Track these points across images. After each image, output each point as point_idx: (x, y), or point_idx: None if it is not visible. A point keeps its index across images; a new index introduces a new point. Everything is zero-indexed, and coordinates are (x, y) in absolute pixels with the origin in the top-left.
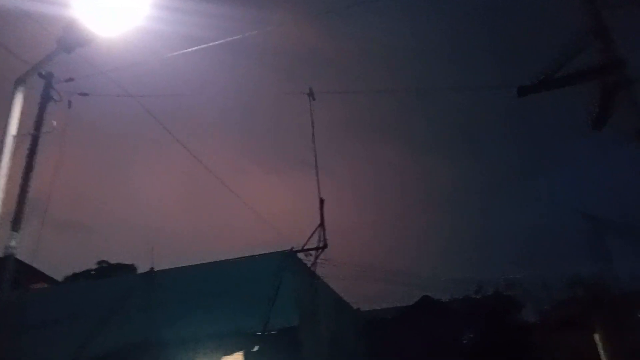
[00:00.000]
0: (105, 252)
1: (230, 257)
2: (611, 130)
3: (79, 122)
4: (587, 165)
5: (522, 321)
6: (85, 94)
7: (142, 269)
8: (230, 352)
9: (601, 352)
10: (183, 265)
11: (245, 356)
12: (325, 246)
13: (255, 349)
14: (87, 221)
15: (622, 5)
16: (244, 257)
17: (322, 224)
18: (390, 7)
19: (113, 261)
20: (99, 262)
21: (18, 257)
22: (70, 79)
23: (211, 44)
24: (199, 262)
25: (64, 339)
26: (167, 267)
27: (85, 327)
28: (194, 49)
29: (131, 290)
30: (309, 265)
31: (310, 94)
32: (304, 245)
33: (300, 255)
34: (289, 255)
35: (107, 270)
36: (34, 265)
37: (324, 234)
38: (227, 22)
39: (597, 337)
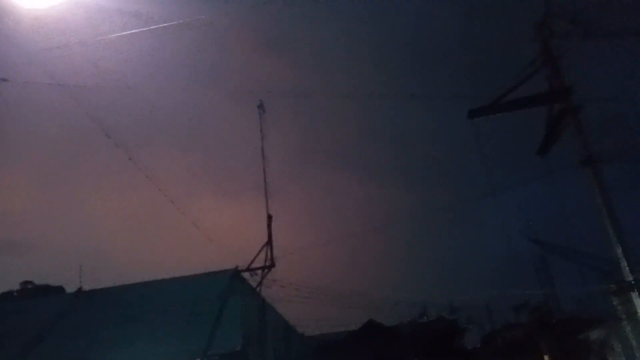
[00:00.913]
0: (33, 273)
1: (171, 277)
2: (558, 157)
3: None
4: (534, 190)
5: (466, 346)
6: (4, 80)
7: (72, 290)
8: None
9: None
10: (118, 284)
11: None
12: (272, 265)
13: None
14: (17, 238)
15: (570, 36)
16: (185, 276)
17: (269, 242)
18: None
19: (40, 282)
20: (23, 283)
21: None
22: None
23: (165, 24)
24: (136, 282)
25: None
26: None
27: (14, 351)
28: (142, 29)
29: (59, 313)
30: (255, 286)
31: (261, 107)
32: (250, 264)
33: (246, 276)
34: (234, 275)
35: (32, 292)
36: None
37: (272, 253)
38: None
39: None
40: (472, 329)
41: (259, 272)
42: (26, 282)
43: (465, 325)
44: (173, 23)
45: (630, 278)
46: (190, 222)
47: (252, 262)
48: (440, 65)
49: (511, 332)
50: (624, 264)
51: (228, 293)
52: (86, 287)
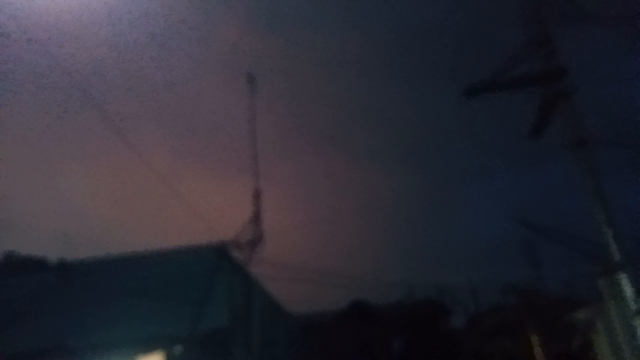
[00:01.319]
0: (18, 247)
1: (154, 250)
2: (549, 139)
3: None
4: (524, 173)
5: (452, 328)
6: None
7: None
8: (148, 351)
9: (537, 356)
10: (101, 256)
11: (167, 357)
12: (260, 238)
13: (177, 348)
14: (4, 216)
15: (567, 18)
16: (170, 250)
17: (257, 217)
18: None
19: (24, 253)
20: (8, 253)
21: None
22: None
23: None
24: (118, 255)
25: None
26: (81, 259)
27: None
28: None
29: (42, 286)
30: (242, 262)
31: (250, 78)
32: (236, 238)
33: (234, 254)
34: (221, 250)
35: (15, 264)
36: None
37: (260, 227)
38: None
39: (533, 340)
40: (458, 311)
41: (247, 248)
42: (10, 252)
43: (451, 306)
44: None
45: (617, 259)
46: (176, 197)
47: (239, 235)
48: (432, 45)
49: (498, 314)
50: (613, 246)
51: (214, 269)
52: (69, 259)
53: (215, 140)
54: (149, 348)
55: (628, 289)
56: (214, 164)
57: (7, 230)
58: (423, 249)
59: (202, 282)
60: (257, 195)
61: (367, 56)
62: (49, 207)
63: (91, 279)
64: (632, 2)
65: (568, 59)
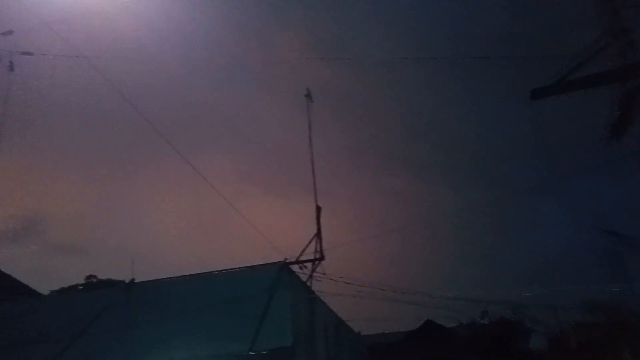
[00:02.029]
0: (98, 270)
1: (218, 270)
2: (633, 141)
3: (27, 97)
4: (604, 179)
5: (532, 348)
6: (29, 53)
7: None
8: None
9: None
10: (165, 277)
11: None
12: (322, 257)
13: None
14: (83, 242)
15: None
16: (233, 269)
17: (318, 234)
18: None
19: (103, 277)
20: (88, 277)
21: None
22: (9, 32)
23: None
24: (184, 274)
25: (34, 358)
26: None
27: (56, 346)
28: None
29: (109, 305)
30: (304, 279)
31: (308, 96)
32: (299, 256)
33: (295, 269)
34: (283, 268)
35: (95, 286)
36: (22, 280)
37: (321, 245)
38: None
39: None
40: (537, 330)
41: (309, 265)
42: (90, 277)
43: (529, 326)
44: None
45: None
46: (241, 218)
47: (301, 253)
48: (494, 53)
49: (584, 333)
50: None
51: (276, 286)
52: (138, 280)
53: (279, 161)
54: None
55: None
56: (278, 184)
57: (85, 254)
58: (496, 266)
59: (264, 299)
60: (317, 212)
61: (427, 72)
62: (122, 232)
63: (156, 298)
64: None
65: None
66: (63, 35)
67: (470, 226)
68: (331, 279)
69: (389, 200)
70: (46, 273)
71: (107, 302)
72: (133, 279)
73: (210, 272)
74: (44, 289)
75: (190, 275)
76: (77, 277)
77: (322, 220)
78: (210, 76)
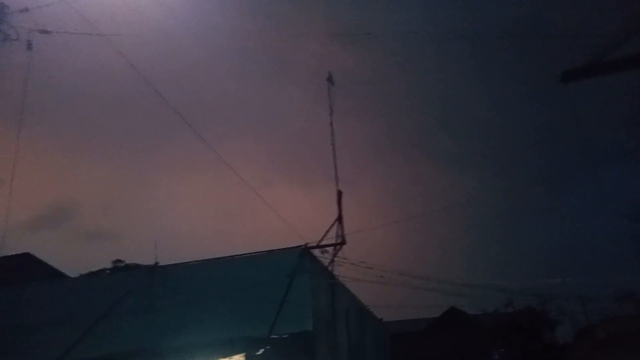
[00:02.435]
0: (124, 254)
1: (239, 254)
2: None
3: (45, 77)
4: (636, 166)
5: (558, 340)
6: (46, 32)
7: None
8: (230, 354)
9: None
10: (188, 261)
11: None
12: (343, 242)
13: (260, 352)
14: (113, 228)
15: None
16: (253, 253)
17: (339, 218)
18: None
19: (130, 261)
20: (115, 261)
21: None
22: (25, 9)
23: None
24: (206, 258)
25: (57, 339)
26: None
27: (79, 327)
28: None
29: (133, 287)
30: (325, 264)
31: (329, 79)
32: (319, 241)
33: (317, 253)
34: (304, 252)
35: (122, 270)
36: (51, 263)
37: (342, 229)
38: None
39: None
40: (564, 321)
41: (330, 250)
42: (117, 261)
43: (556, 316)
44: None
45: None
46: (264, 205)
47: (322, 238)
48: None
49: (613, 325)
50: None
51: (297, 270)
52: (160, 263)
53: (302, 149)
54: (231, 351)
55: None
56: (301, 172)
57: (115, 240)
58: (522, 254)
59: (285, 284)
60: (338, 196)
61: (450, 59)
62: (148, 217)
63: (178, 281)
64: None
65: None
66: (81, 12)
67: (496, 214)
68: (353, 264)
69: (412, 188)
70: (76, 258)
71: (130, 285)
72: (157, 262)
73: (231, 257)
74: (74, 273)
75: (212, 259)
76: (105, 262)
77: (343, 207)
78: (231, 63)
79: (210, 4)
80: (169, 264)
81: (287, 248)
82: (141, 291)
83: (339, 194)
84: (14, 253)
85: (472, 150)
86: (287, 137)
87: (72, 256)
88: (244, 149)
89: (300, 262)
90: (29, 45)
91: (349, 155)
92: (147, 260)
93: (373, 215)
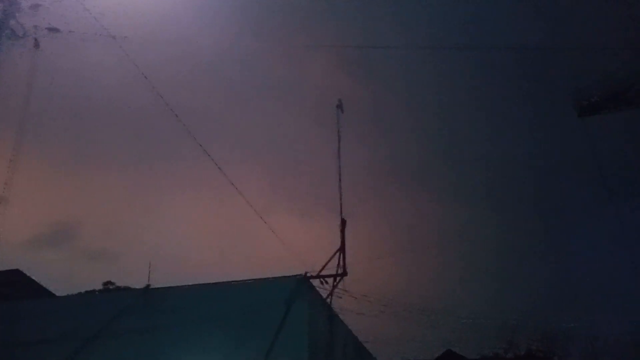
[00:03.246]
0: (116, 276)
1: (235, 280)
2: None
3: (49, 79)
4: None
5: None
6: (55, 30)
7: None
8: None
9: None
10: (182, 284)
11: None
12: (344, 273)
13: None
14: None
15: None
16: (249, 280)
17: (342, 248)
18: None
19: (121, 284)
20: (105, 283)
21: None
22: (36, 6)
23: None
24: (201, 282)
25: (46, 358)
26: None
27: (68, 347)
28: None
29: (124, 309)
30: (324, 296)
31: (340, 106)
32: (320, 271)
33: (316, 285)
34: (302, 281)
35: (112, 292)
36: (41, 282)
37: (344, 260)
38: None
39: None
40: None
41: (329, 280)
42: (108, 283)
43: None
44: None
45: None
46: (267, 233)
47: (323, 267)
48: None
49: None
50: None
51: (294, 299)
52: (154, 285)
53: (302, 179)
54: None
55: None
56: (300, 202)
57: (106, 260)
58: (526, 291)
59: (281, 311)
60: (342, 225)
61: (454, 91)
62: (145, 239)
63: (172, 304)
64: None
65: None
66: (92, 11)
67: (501, 250)
68: (353, 297)
69: (415, 219)
70: (69, 278)
71: (123, 306)
72: (148, 285)
73: (228, 282)
74: (63, 293)
75: (208, 284)
76: (96, 283)
77: (345, 238)
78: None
79: (219, 29)
80: (162, 286)
81: (286, 276)
82: (133, 313)
83: (343, 223)
84: (3, 269)
85: (479, 183)
86: (287, 166)
87: (65, 276)
88: (244, 175)
89: (298, 290)
90: (36, 44)
91: (350, 187)
92: (140, 283)
93: (373, 247)
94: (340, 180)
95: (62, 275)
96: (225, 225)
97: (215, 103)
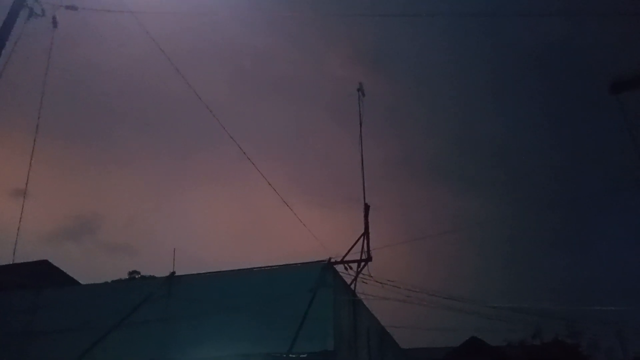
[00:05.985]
0: (143, 267)
1: (259, 267)
2: None
3: (69, 57)
4: None
5: None
6: (73, 8)
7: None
8: None
9: None
10: (206, 271)
11: None
12: (369, 258)
13: None
14: (133, 241)
15: None
16: (274, 266)
17: (366, 233)
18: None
19: (146, 273)
20: (131, 272)
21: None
22: None
23: None
24: (224, 269)
25: (70, 346)
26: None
27: (93, 335)
28: None
29: (148, 297)
30: (348, 281)
31: (360, 90)
32: (344, 257)
33: (341, 271)
34: (327, 267)
35: (137, 281)
36: (68, 272)
37: (368, 245)
38: None
39: None
40: (597, 357)
41: (353, 266)
42: (133, 272)
43: (589, 352)
44: None
45: None
46: (287, 218)
47: (347, 253)
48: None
49: None
50: None
51: (319, 286)
52: (178, 274)
53: (320, 171)
54: None
55: None
56: (321, 194)
57: (133, 253)
58: (553, 281)
59: (306, 299)
60: (365, 210)
61: (470, 86)
62: (169, 230)
63: (196, 293)
64: None
65: None
66: None
67: (526, 239)
68: (378, 282)
69: (433, 213)
70: (94, 269)
71: (146, 295)
72: (173, 272)
73: (251, 269)
74: (89, 282)
75: (231, 271)
76: (121, 273)
77: (368, 219)
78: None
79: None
80: (186, 274)
81: (310, 262)
82: (157, 301)
83: (366, 208)
84: (32, 260)
85: (500, 175)
86: (305, 159)
87: (91, 267)
88: (265, 168)
89: (322, 277)
90: (54, 22)
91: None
92: (165, 273)
93: (394, 237)
94: (362, 163)
95: (87, 266)
96: (247, 216)
97: (234, 96)
